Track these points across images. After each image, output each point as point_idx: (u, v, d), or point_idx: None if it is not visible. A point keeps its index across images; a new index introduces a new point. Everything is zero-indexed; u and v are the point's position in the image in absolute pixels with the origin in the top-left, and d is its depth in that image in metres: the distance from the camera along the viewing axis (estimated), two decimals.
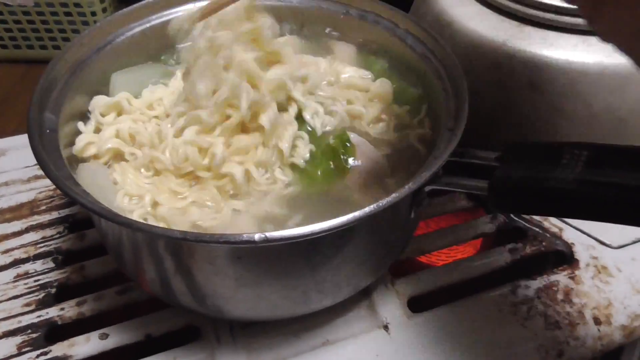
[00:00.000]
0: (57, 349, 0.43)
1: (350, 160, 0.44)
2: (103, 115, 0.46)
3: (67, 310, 0.46)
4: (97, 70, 0.49)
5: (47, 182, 0.58)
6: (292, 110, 0.46)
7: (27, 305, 0.47)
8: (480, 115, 0.53)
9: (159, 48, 0.54)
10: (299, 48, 0.54)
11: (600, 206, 0.33)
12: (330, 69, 0.51)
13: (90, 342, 0.44)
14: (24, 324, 0.45)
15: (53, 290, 0.48)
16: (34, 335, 0.45)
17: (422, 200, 0.40)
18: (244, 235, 0.31)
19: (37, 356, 0.43)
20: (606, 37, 0.27)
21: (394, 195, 0.34)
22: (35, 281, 0.49)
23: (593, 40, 0.49)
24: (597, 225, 0.51)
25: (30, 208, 0.56)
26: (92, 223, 0.52)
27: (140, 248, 0.39)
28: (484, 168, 0.37)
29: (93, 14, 0.90)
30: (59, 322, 0.46)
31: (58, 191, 0.57)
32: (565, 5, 0.48)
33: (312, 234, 0.32)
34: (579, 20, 0.49)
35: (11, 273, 0.49)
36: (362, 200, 0.42)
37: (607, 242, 0.52)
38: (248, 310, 0.41)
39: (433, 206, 0.55)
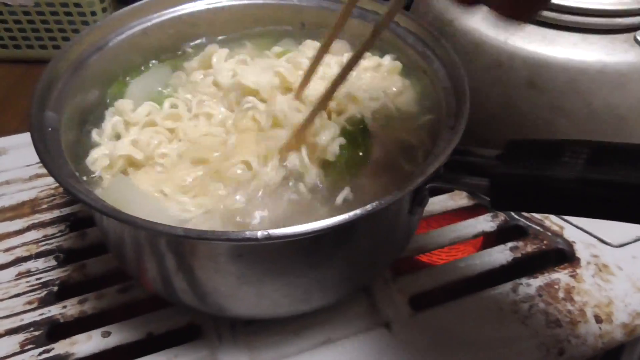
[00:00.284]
0: (59, 346, 0.43)
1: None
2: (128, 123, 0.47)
3: (69, 309, 0.46)
4: (98, 68, 0.49)
5: (49, 180, 0.58)
6: None
7: (29, 303, 0.47)
8: (480, 114, 0.53)
9: (160, 47, 0.54)
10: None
11: (600, 204, 0.33)
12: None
13: (92, 340, 0.44)
14: (26, 322, 0.45)
15: (55, 289, 0.48)
16: (36, 333, 0.45)
17: (423, 199, 0.40)
18: (247, 233, 0.31)
19: (40, 354, 0.43)
20: None
21: (395, 193, 0.34)
22: (37, 279, 0.49)
23: (593, 38, 0.49)
24: (598, 223, 0.51)
25: (31, 206, 0.56)
26: (93, 221, 0.52)
27: (141, 246, 0.39)
28: (485, 166, 0.37)
29: (93, 13, 0.90)
30: (61, 320, 0.46)
31: (59, 189, 0.57)
32: (566, 3, 0.48)
33: (314, 231, 0.32)
34: (579, 19, 0.49)
35: (13, 271, 0.50)
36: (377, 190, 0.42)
37: (608, 240, 0.52)
38: (249, 308, 0.41)
39: (434, 204, 0.56)
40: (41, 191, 0.57)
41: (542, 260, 0.51)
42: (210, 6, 0.55)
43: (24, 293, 0.48)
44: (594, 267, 0.50)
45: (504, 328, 0.45)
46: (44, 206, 0.56)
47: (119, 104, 0.47)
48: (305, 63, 0.48)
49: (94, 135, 0.46)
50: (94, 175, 0.43)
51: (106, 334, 0.44)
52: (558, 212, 0.48)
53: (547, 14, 0.49)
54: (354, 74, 0.44)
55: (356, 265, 0.40)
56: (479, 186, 0.37)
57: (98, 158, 0.43)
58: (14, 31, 0.92)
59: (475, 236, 0.54)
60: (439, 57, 0.47)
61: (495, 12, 0.26)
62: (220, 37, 0.56)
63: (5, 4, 0.87)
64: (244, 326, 0.45)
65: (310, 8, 0.55)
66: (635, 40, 0.49)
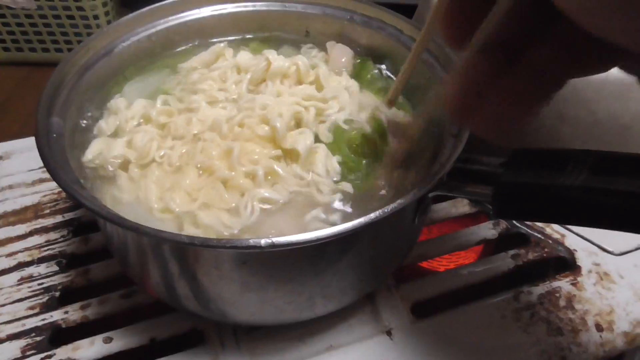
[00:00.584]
0: (61, 352, 0.43)
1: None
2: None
3: (71, 314, 0.46)
4: (103, 74, 0.49)
5: (52, 185, 0.58)
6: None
7: (32, 308, 0.47)
8: None
9: (165, 53, 0.54)
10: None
11: (604, 214, 0.33)
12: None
13: (94, 346, 0.44)
14: (28, 327, 0.45)
15: (57, 294, 0.48)
16: (38, 338, 0.45)
17: (427, 207, 0.40)
18: (251, 241, 0.32)
19: (41, 359, 0.43)
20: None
21: (398, 201, 0.34)
22: (39, 284, 0.49)
23: None
24: (599, 231, 0.51)
25: (34, 211, 0.56)
26: (97, 227, 0.52)
27: (145, 252, 0.39)
28: (489, 174, 0.38)
29: (95, 17, 0.90)
30: (63, 326, 0.46)
31: (62, 195, 0.57)
32: None
33: (318, 239, 0.32)
34: None
35: (15, 276, 0.50)
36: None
37: (609, 248, 0.52)
38: (253, 314, 0.41)
39: (436, 212, 0.56)
40: (44, 196, 0.57)
41: (544, 268, 0.51)
42: (215, 12, 0.56)
43: (26, 298, 0.48)
44: (595, 276, 0.50)
45: (506, 336, 0.45)
46: (47, 211, 0.56)
47: (112, 103, 0.48)
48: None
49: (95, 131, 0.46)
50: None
51: (108, 340, 0.44)
52: (561, 222, 0.49)
53: None
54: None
55: (359, 272, 0.40)
56: (482, 194, 0.37)
57: (92, 159, 0.43)
58: (16, 34, 0.93)
59: (477, 243, 0.54)
60: (443, 65, 0.47)
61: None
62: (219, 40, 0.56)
63: (8, 7, 0.87)
64: (246, 332, 0.45)
65: (315, 16, 0.55)
66: None
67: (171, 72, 0.52)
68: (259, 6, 0.56)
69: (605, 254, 0.52)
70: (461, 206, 0.56)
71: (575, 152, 0.34)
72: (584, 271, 0.50)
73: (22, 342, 0.44)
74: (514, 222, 0.54)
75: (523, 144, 0.53)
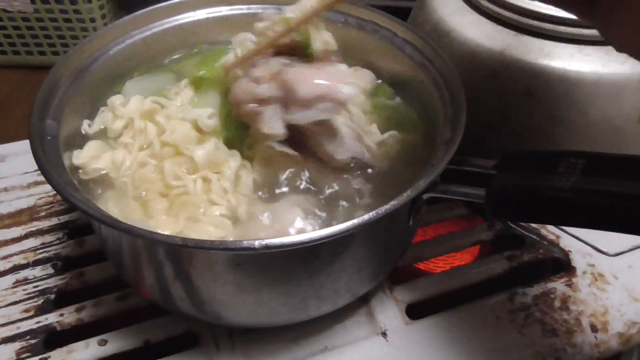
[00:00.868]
0: (56, 355, 0.43)
1: None
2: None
3: (66, 317, 0.46)
4: (98, 77, 0.49)
5: (47, 188, 0.58)
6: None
7: (26, 311, 0.47)
8: (477, 124, 0.53)
9: (160, 55, 0.54)
10: None
11: (596, 214, 0.33)
12: None
13: (89, 348, 0.44)
14: (22, 330, 0.45)
15: (52, 296, 0.48)
16: (33, 341, 0.45)
17: (420, 208, 0.40)
18: (244, 242, 0.32)
19: None
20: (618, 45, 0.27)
21: (392, 202, 0.34)
22: (34, 287, 0.49)
23: (589, 49, 0.50)
24: (594, 233, 0.51)
25: (29, 214, 0.56)
26: (92, 229, 0.52)
27: (140, 254, 0.39)
28: (482, 176, 0.38)
29: (92, 20, 0.90)
30: (58, 328, 0.46)
31: (58, 197, 0.57)
32: (563, 15, 0.49)
33: (312, 241, 0.32)
34: (576, 30, 0.49)
35: (10, 279, 0.49)
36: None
37: (604, 249, 0.52)
38: (247, 316, 0.41)
39: (431, 213, 0.56)
40: (39, 199, 0.57)
41: (539, 270, 0.52)
42: (210, 15, 0.56)
43: (21, 301, 0.48)
44: (590, 277, 0.50)
45: (501, 337, 0.45)
46: (42, 214, 0.56)
47: (111, 99, 0.48)
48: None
49: (85, 126, 0.46)
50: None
51: (103, 342, 0.44)
52: (554, 222, 0.49)
53: (544, 25, 0.50)
54: None
55: (354, 273, 0.40)
56: (476, 196, 0.38)
57: (80, 164, 0.44)
58: (13, 37, 0.93)
59: (472, 245, 0.54)
60: (437, 68, 0.47)
61: None
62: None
63: (5, 10, 0.87)
64: (241, 334, 0.45)
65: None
66: None
67: (175, 76, 0.52)
68: (254, 9, 0.56)
69: (600, 254, 0.52)
70: (456, 208, 0.57)
71: (567, 153, 0.35)
72: (578, 272, 0.50)
73: (16, 345, 0.44)
74: (509, 223, 0.54)
75: (516, 146, 0.53)
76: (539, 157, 0.36)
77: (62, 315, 0.46)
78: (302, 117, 0.41)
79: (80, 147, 0.45)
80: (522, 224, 0.54)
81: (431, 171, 0.36)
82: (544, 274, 0.50)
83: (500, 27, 0.52)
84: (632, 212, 0.32)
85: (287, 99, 0.41)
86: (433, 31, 0.57)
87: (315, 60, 0.44)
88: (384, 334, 0.45)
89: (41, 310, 0.47)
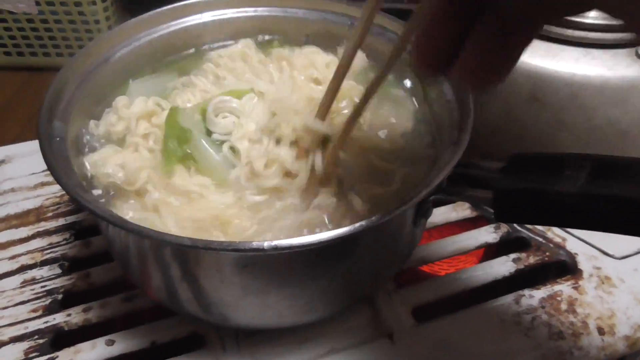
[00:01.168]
0: (64, 355, 0.44)
1: None
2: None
3: (73, 317, 0.46)
4: (105, 79, 0.49)
5: (54, 188, 0.58)
6: None
7: (34, 311, 0.47)
8: (482, 126, 0.53)
9: (166, 58, 0.55)
10: None
11: (603, 218, 0.33)
12: None
13: (96, 349, 0.44)
14: (30, 329, 0.46)
15: (59, 297, 0.48)
16: (41, 341, 0.45)
17: (427, 211, 0.40)
18: (254, 243, 0.32)
19: None
20: None
21: (399, 205, 0.34)
22: (41, 287, 0.49)
23: (595, 53, 0.50)
24: (600, 235, 0.51)
25: (36, 215, 0.56)
26: (98, 230, 0.52)
27: (146, 255, 0.39)
28: (488, 179, 0.38)
29: (96, 22, 0.90)
30: (65, 329, 0.46)
31: (64, 198, 0.58)
32: (569, 18, 0.49)
33: (320, 242, 0.32)
34: (582, 33, 0.49)
35: (18, 279, 0.50)
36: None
37: (611, 252, 0.52)
38: (254, 318, 0.41)
39: (436, 216, 0.56)
40: (46, 199, 0.58)
41: (545, 272, 0.52)
42: (216, 18, 0.56)
43: (28, 301, 0.48)
44: (596, 279, 0.50)
45: (507, 340, 0.45)
46: (49, 214, 0.56)
47: (115, 101, 0.48)
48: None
49: (91, 126, 0.46)
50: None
51: (110, 343, 0.44)
52: (560, 225, 0.49)
53: (550, 28, 0.50)
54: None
55: (360, 276, 0.40)
56: (483, 198, 0.38)
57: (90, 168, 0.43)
58: (17, 38, 0.93)
59: (478, 247, 0.54)
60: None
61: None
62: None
63: (10, 12, 0.88)
64: (247, 336, 0.45)
65: (315, 21, 0.56)
66: (637, 55, 0.49)
67: (177, 73, 0.52)
68: (260, 11, 0.56)
69: (607, 257, 0.52)
70: (462, 210, 0.57)
71: (573, 156, 0.35)
72: (585, 275, 0.50)
73: (24, 345, 0.45)
74: (515, 225, 0.54)
75: (520, 149, 0.53)
76: (546, 160, 0.36)
77: (69, 315, 0.46)
78: None
79: (89, 149, 0.45)
80: (528, 226, 0.54)
81: (438, 174, 0.36)
82: (550, 276, 0.50)
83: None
84: (638, 215, 0.32)
85: None
86: None
87: None
88: (390, 336, 0.45)
89: (48, 311, 0.47)
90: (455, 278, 0.50)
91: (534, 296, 0.48)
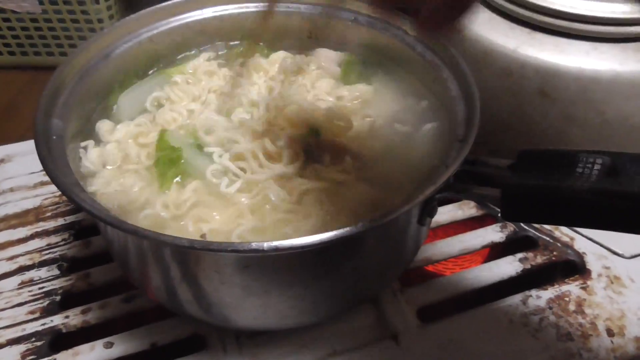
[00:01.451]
0: (62, 357, 0.43)
1: None
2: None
3: (71, 319, 0.46)
4: (104, 75, 0.48)
5: (53, 188, 0.58)
6: None
7: (32, 312, 0.46)
8: (489, 123, 0.52)
9: (166, 54, 0.54)
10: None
11: (615, 216, 0.32)
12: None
13: (94, 351, 0.43)
14: (28, 332, 0.45)
15: (58, 298, 0.48)
16: (38, 343, 0.44)
17: (433, 209, 0.39)
18: (253, 244, 0.31)
19: None
20: None
21: (404, 203, 0.33)
22: (39, 288, 0.48)
23: (605, 47, 0.48)
24: (609, 234, 0.50)
25: (35, 214, 0.55)
26: (98, 230, 0.51)
27: (146, 256, 0.38)
28: (496, 176, 0.37)
29: (100, 20, 0.90)
30: (64, 330, 0.45)
31: (64, 198, 0.57)
32: (577, 12, 0.48)
33: (322, 242, 0.31)
34: (591, 27, 0.48)
35: (16, 280, 0.49)
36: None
37: (620, 252, 0.51)
38: (255, 319, 0.40)
39: (442, 214, 0.55)
40: (45, 199, 0.57)
41: (552, 272, 0.51)
42: (217, 14, 0.55)
43: (26, 302, 0.47)
44: (605, 279, 0.49)
45: (514, 341, 0.44)
46: (48, 214, 0.55)
47: (98, 126, 0.46)
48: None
49: (84, 160, 0.44)
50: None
51: (109, 345, 0.43)
52: (571, 224, 0.48)
53: (558, 22, 0.49)
54: None
55: (364, 276, 0.40)
56: (490, 196, 0.37)
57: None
58: (21, 38, 0.93)
59: (484, 247, 0.53)
60: (448, 66, 0.46)
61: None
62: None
63: (13, 11, 0.87)
64: (249, 338, 0.44)
65: (318, 17, 0.55)
66: None
67: (166, 77, 0.51)
68: (262, 7, 0.55)
69: (616, 257, 0.51)
70: (468, 208, 0.56)
71: (584, 152, 0.34)
72: (593, 275, 0.49)
73: (22, 347, 0.44)
74: (522, 224, 0.53)
75: (529, 145, 0.52)
76: (556, 157, 0.35)
77: (67, 317, 0.46)
78: None
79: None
80: (535, 225, 0.53)
81: (444, 171, 0.35)
82: (558, 276, 0.49)
83: (513, 25, 0.51)
84: None
85: None
86: None
87: None
88: (394, 337, 0.44)
89: (47, 312, 0.46)
90: (461, 278, 0.49)
91: (541, 297, 0.47)
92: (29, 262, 0.51)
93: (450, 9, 0.31)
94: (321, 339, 0.44)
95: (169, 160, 0.42)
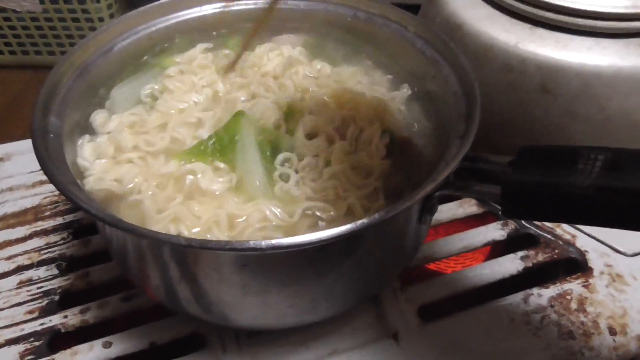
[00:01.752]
0: (60, 357, 0.43)
1: None
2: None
3: (70, 318, 0.45)
4: (102, 73, 0.48)
5: (52, 187, 0.57)
6: None
7: (30, 312, 0.46)
8: (490, 119, 0.52)
9: (165, 52, 0.53)
10: None
11: (617, 213, 0.32)
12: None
13: (93, 351, 0.43)
14: (26, 331, 0.45)
15: (56, 298, 0.47)
16: (37, 343, 0.44)
17: (433, 206, 0.39)
18: (251, 243, 0.30)
19: None
20: None
21: (404, 201, 0.33)
22: (38, 288, 0.48)
23: (607, 42, 0.48)
24: (611, 232, 0.50)
25: (34, 214, 0.55)
26: (97, 229, 0.51)
27: (144, 255, 0.38)
28: (497, 173, 0.36)
29: (100, 19, 0.90)
30: (62, 330, 0.45)
31: (62, 197, 0.56)
32: (579, 7, 0.47)
33: (320, 241, 0.31)
34: (593, 22, 0.48)
35: (14, 280, 0.49)
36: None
37: (622, 249, 0.50)
38: (254, 318, 0.40)
39: (442, 212, 0.54)
40: (44, 198, 0.57)
41: (554, 270, 0.50)
42: (217, 10, 0.55)
43: (24, 302, 0.47)
44: (607, 277, 0.48)
45: (516, 340, 0.44)
46: (47, 213, 0.55)
47: (93, 117, 0.46)
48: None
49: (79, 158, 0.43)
50: None
51: (108, 345, 0.43)
52: (573, 221, 0.47)
53: (560, 17, 0.48)
54: None
55: (364, 274, 0.39)
56: (490, 194, 0.36)
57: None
58: (22, 37, 0.93)
59: (485, 245, 0.52)
60: (449, 62, 0.46)
61: None
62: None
63: (14, 11, 0.87)
64: (248, 336, 0.44)
65: (318, 12, 0.54)
66: None
67: (160, 70, 0.51)
68: (261, 4, 0.55)
69: (618, 254, 0.50)
70: (468, 206, 0.55)
71: (586, 148, 0.33)
72: (595, 273, 0.49)
73: (20, 347, 0.44)
74: (523, 222, 0.53)
75: (530, 142, 0.52)
76: (557, 153, 0.35)
77: (66, 317, 0.45)
78: None
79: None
80: (536, 223, 0.53)
81: (444, 168, 0.35)
82: (560, 274, 0.49)
83: (514, 20, 0.51)
84: None
85: None
86: (444, 25, 0.55)
87: None
88: (395, 337, 0.44)
89: (45, 312, 0.46)
90: (462, 276, 0.48)
91: (543, 295, 0.47)
92: (28, 262, 0.50)
93: None
94: (321, 338, 0.44)
95: (220, 144, 0.42)
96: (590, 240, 0.51)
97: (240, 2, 0.55)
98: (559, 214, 0.35)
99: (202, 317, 0.41)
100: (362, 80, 0.51)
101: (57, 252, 0.51)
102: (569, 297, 0.47)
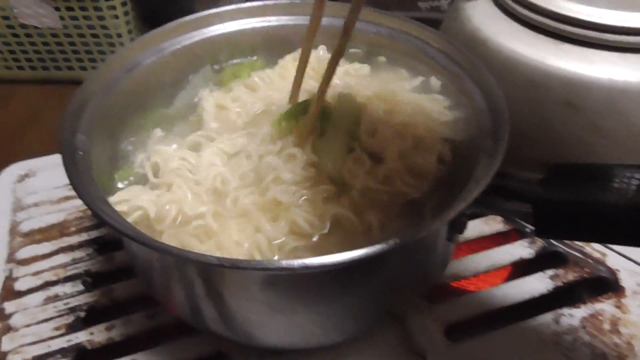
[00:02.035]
0: None
1: None
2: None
3: (96, 335, 0.45)
4: (128, 90, 0.48)
5: (77, 203, 0.58)
6: None
7: (57, 329, 0.46)
8: (514, 135, 0.51)
9: (189, 68, 0.54)
10: None
11: None
12: None
13: None
14: (53, 348, 0.45)
15: (82, 314, 0.47)
16: None
17: (462, 225, 0.38)
18: (283, 262, 0.30)
19: None
20: None
21: (434, 221, 0.33)
22: (64, 304, 0.48)
23: (634, 57, 0.47)
24: None
25: (60, 229, 0.56)
26: (121, 245, 0.51)
27: (170, 272, 0.38)
28: (527, 191, 0.36)
29: (119, 35, 0.91)
30: (89, 347, 0.45)
31: (88, 212, 0.57)
32: (605, 22, 0.47)
33: (351, 260, 0.31)
34: (619, 37, 0.47)
35: (41, 295, 0.49)
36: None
37: None
38: (280, 338, 0.39)
39: (468, 230, 0.53)
40: (69, 214, 0.57)
41: (584, 289, 0.49)
42: (240, 28, 0.55)
43: (51, 318, 0.47)
44: None
45: None
46: (72, 229, 0.55)
47: (156, 149, 0.46)
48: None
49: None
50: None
51: None
52: (607, 241, 0.46)
53: (586, 32, 0.48)
54: None
55: (392, 293, 0.39)
56: (521, 212, 0.36)
57: (119, 202, 0.41)
58: (42, 53, 0.94)
59: (513, 263, 0.51)
60: (473, 78, 0.46)
61: None
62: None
63: (35, 27, 0.89)
64: (273, 356, 0.43)
65: (340, 29, 0.54)
66: None
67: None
68: (284, 21, 0.55)
69: None
70: (494, 223, 0.54)
71: (620, 167, 0.33)
72: (628, 292, 0.47)
73: None
74: (551, 240, 0.52)
75: (554, 158, 0.51)
76: (591, 172, 0.34)
77: (92, 333, 0.45)
78: None
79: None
80: (565, 240, 0.52)
81: (475, 187, 0.35)
82: (590, 294, 0.48)
83: (539, 35, 0.50)
84: None
85: None
86: (467, 41, 0.55)
87: None
88: (422, 357, 0.43)
89: (72, 329, 0.46)
90: (490, 295, 0.47)
91: (574, 315, 0.46)
92: (54, 278, 0.51)
93: None
94: (346, 358, 0.43)
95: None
96: (621, 258, 0.50)
97: (264, 19, 0.56)
98: (593, 233, 0.34)
99: (227, 335, 0.41)
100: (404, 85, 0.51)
101: (82, 268, 0.51)
102: (601, 318, 0.46)
